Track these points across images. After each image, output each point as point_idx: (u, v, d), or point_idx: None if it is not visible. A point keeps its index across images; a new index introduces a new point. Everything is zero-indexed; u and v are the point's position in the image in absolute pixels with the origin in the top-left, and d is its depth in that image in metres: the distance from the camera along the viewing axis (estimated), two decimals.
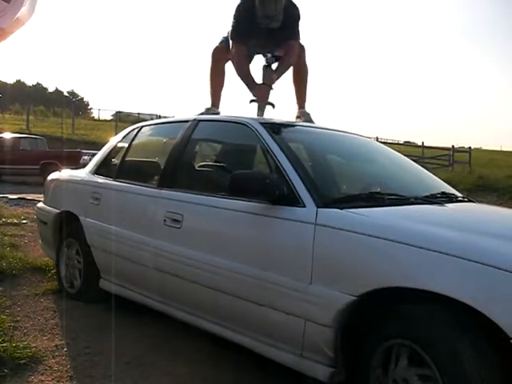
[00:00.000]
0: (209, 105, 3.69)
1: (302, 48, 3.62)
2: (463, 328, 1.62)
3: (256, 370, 2.41)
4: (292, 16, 3.41)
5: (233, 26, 3.48)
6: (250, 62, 3.59)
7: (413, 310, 1.76)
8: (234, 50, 3.47)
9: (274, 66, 3.51)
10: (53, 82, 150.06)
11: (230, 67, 3.75)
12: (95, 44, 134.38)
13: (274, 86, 3.41)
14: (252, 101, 3.37)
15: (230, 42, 3.52)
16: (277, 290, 2.07)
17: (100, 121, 35.63)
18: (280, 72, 3.45)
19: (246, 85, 3.41)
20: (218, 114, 3.58)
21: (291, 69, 3.66)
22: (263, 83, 3.39)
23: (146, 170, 3.36)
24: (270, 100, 3.38)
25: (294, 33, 3.49)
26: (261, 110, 3.35)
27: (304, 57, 3.67)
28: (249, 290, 2.20)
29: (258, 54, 3.60)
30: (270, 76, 3.41)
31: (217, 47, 3.70)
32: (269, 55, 3.49)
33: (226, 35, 3.67)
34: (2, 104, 33.41)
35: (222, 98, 3.75)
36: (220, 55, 3.68)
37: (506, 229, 2.11)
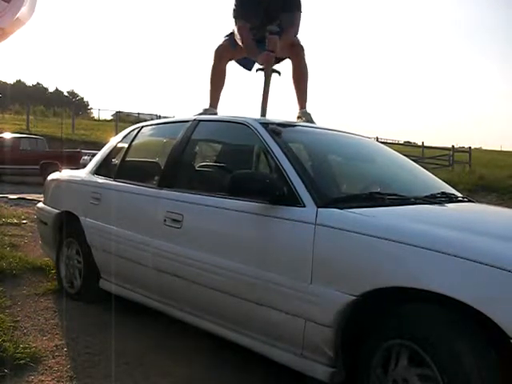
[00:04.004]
0: (207, 105, 3.69)
1: (301, 48, 3.62)
2: (463, 328, 1.63)
3: (256, 370, 2.41)
4: None
5: (236, 6, 3.57)
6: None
7: (412, 310, 1.76)
8: (237, 26, 3.55)
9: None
10: (53, 81, 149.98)
11: (230, 67, 3.76)
12: (95, 44, 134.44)
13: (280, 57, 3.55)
14: (258, 70, 3.51)
15: (234, 21, 3.59)
16: (277, 289, 2.07)
17: (100, 121, 35.61)
18: (284, 40, 3.49)
19: (250, 53, 3.53)
20: (215, 114, 3.57)
21: (291, 69, 3.66)
22: (267, 50, 3.45)
23: (146, 170, 3.36)
24: (275, 68, 3.52)
25: (297, 4, 3.57)
26: (267, 79, 3.47)
27: (303, 56, 3.67)
28: (249, 289, 2.20)
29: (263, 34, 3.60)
30: (274, 42, 3.45)
31: (221, 45, 3.70)
32: (273, 26, 3.53)
33: (228, 33, 3.69)
34: (2, 104, 33.40)
35: (220, 98, 3.75)
36: (224, 53, 3.68)
37: (506, 229, 2.11)
